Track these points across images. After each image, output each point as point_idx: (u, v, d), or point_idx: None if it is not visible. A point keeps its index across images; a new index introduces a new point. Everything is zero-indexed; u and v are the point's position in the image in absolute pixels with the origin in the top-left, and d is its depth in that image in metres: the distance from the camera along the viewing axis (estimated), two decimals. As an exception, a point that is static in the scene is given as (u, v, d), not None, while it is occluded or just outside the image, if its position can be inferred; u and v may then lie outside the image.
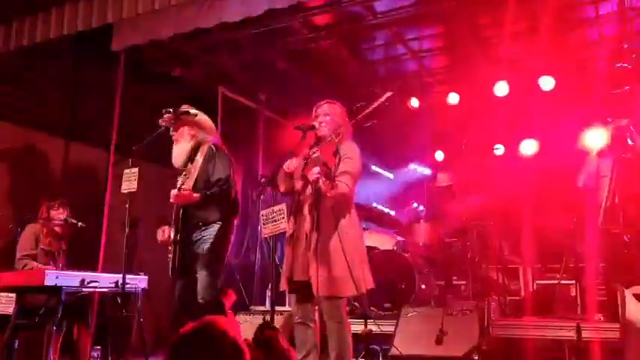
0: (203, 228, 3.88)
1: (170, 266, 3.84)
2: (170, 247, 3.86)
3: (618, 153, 4.85)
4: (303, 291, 3.42)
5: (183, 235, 3.85)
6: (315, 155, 3.36)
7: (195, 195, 3.82)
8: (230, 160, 4.05)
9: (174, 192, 3.82)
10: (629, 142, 4.80)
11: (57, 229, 4.82)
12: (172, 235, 3.87)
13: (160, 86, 6.22)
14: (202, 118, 4.14)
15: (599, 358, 4.48)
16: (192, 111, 4.07)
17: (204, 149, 4.01)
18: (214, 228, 3.87)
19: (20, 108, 5.53)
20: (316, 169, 3.23)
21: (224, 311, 3.80)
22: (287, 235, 3.53)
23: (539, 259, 6.62)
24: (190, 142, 4.02)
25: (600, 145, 5.16)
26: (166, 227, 3.97)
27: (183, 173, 3.94)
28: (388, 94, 3.47)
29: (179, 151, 4.02)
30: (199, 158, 3.97)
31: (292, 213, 3.49)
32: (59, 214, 4.81)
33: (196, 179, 3.89)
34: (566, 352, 4.59)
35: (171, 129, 4.04)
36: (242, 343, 1.67)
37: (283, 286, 3.51)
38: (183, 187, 3.83)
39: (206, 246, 3.83)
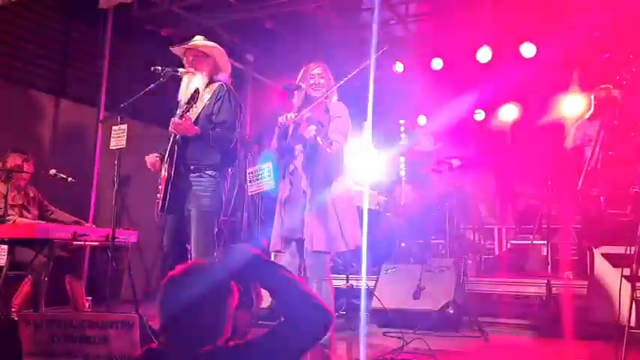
0: (197, 174, 3.64)
1: (159, 205, 3.62)
2: (160, 187, 3.64)
3: (607, 119, 5.00)
4: (292, 248, 3.47)
5: (173, 174, 3.59)
6: (308, 115, 3.35)
7: (196, 128, 3.57)
8: (239, 104, 3.83)
9: (175, 120, 3.56)
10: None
11: (21, 182, 4.72)
12: (163, 172, 3.63)
13: (147, 46, 6.21)
14: (224, 54, 3.92)
15: (567, 312, 4.76)
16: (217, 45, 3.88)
17: (213, 86, 3.78)
18: (209, 178, 3.65)
19: (9, 64, 5.51)
20: (313, 127, 3.23)
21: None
22: (280, 196, 3.52)
23: (513, 221, 6.88)
24: (207, 77, 3.79)
25: (588, 110, 5.32)
26: (155, 154, 3.76)
27: (185, 106, 3.64)
28: (382, 49, 3.50)
29: (196, 84, 3.74)
30: (206, 94, 3.74)
31: (285, 174, 3.47)
32: (29, 168, 4.74)
33: (198, 115, 3.62)
34: (537, 307, 4.87)
35: (186, 62, 3.79)
36: (231, 283, 1.72)
37: (277, 246, 3.50)
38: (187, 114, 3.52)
39: (203, 202, 3.62)
